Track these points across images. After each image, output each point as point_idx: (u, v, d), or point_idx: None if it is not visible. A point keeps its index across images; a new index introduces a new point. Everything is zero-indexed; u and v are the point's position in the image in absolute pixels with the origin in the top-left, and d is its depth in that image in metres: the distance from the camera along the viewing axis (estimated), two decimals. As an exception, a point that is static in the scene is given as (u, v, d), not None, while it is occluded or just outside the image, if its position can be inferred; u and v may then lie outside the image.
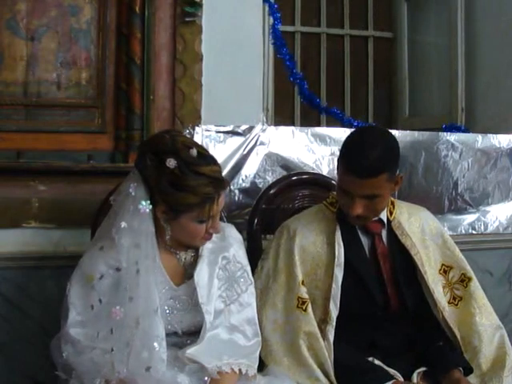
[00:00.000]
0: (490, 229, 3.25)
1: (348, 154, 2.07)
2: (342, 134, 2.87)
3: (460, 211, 3.21)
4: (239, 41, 2.80)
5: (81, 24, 2.61)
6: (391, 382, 2.00)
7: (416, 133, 3.16)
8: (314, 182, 2.60)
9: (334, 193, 2.20)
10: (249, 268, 2.09)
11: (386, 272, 2.14)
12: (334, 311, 2.08)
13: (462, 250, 2.28)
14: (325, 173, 2.84)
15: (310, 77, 4.33)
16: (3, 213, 2.46)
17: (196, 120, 2.70)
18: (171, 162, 1.86)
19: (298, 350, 2.05)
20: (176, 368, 1.89)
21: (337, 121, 4.23)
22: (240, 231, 2.17)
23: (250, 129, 2.80)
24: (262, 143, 2.82)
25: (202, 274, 1.99)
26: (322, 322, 2.09)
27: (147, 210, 1.87)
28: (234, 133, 2.77)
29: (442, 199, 3.17)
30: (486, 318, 2.17)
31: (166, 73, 2.68)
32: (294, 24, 4.43)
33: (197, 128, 2.68)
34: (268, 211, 2.52)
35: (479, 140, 3.24)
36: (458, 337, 2.13)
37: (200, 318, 1.95)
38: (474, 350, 2.12)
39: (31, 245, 2.50)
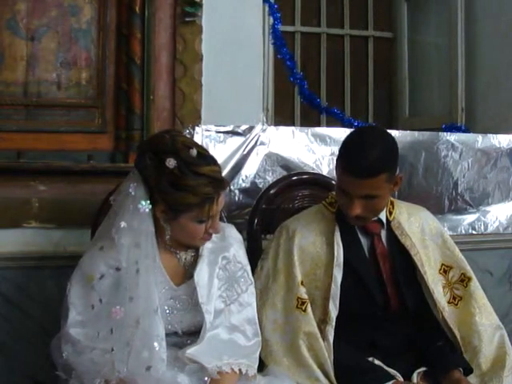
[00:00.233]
0: (490, 229, 3.25)
1: (347, 154, 2.07)
2: (342, 134, 2.86)
3: (460, 211, 3.21)
4: (239, 41, 2.80)
5: (81, 24, 2.61)
6: (391, 382, 2.00)
7: (416, 133, 3.16)
8: (314, 182, 2.60)
9: (333, 193, 2.20)
10: (249, 268, 2.10)
11: (385, 272, 2.14)
12: (334, 311, 2.08)
13: (462, 250, 2.28)
14: (325, 173, 2.84)
15: (310, 77, 4.33)
16: (3, 213, 2.46)
17: (196, 120, 2.70)
18: (171, 162, 1.86)
19: (297, 351, 2.05)
20: (176, 368, 1.89)
21: (337, 121, 4.24)
22: (240, 231, 2.17)
23: (250, 129, 2.80)
24: (262, 143, 2.82)
25: (202, 273, 1.99)
26: (322, 323, 2.09)
27: (147, 210, 1.87)
28: (234, 133, 2.77)
29: (442, 199, 3.17)
30: (485, 317, 2.17)
31: (166, 73, 2.68)
32: (294, 24, 4.43)
33: (197, 128, 2.68)
34: (268, 211, 2.51)
35: (479, 140, 3.23)
36: (458, 337, 2.13)
37: (200, 318, 1.95)
38: (473, 349, 2.12)
39: (31, 245, 2.50)
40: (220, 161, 2.25)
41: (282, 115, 4.12)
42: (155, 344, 1.82)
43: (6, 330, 2.48)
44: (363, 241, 2.17)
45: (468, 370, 2.08)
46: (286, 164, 2.85)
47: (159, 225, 1.94)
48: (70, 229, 2.51)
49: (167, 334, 1.90)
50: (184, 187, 1.87)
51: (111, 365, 1.78)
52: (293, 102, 4.36)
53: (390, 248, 2.17)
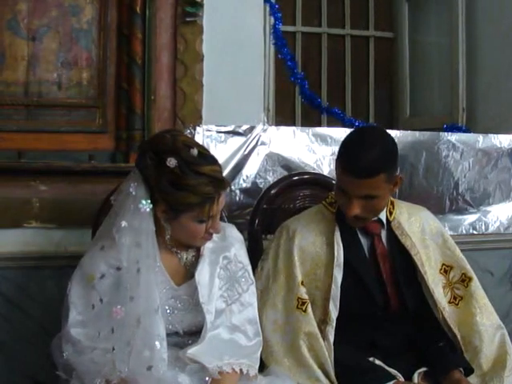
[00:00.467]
0: (491, 229, 3.25)
1: (346, 153, 2.07)
2: (342, 134, 2.85)
3: (461, 211, 3.21)
4: (240, 41, 2.80)
5: (82, 24, 2.61)
6: (392, 382, 2.00)
7: (417, 133, 3.16)
8: (315, 182, 2.60)
9: (334, 193, 2.20)
10: (250, 268, 2.10)
11: (385, 272, 2.14)
12: (334, 312, 2.08)
13: (462, 250, 2.28)
14: (326, 173, 2.84)
15: (310, 77, 4.33)
16: (4, 213, 2.45)
17: (197, 120, 2.70)
18: (171, 162, 1.85)
19: (298, 351, 2.05)
20: (177, 368, 1.89)
21: (338, 121, 4.24)
22: (241, 231, 2.17)
23: (251, 129, 2.80)
24: (262, 143, 2.82)
25: (203, 273, 1.99)
26: (322, 323, 2.09)
27: (147, 210, 1.87)
28: (234, 133, 2.77)
29: (443, 199, 3.17)
30: (486, 317, 2.17)
31: (166, 73, 2.68)
32: (294, 24, 4.43)
33: (198, 128, 2.68)
34: (269, 211, 2.51)
35: (480, 140, 3.23)
36: (459, 337, 2.12)
37: (201, 318, 1.95)
38: (474, 349, 2.12)
39: (32, 245, 2.50)
40: (221, 161, 2.24)
41: (282, 115, 4.12)
42: (156, 343, 1.82)
43: (6, 329, 2.48)
44: (363, 241, 2.17)
45: (469, 370, 2.08)
46: (286, 164, 2.85)
47: (160, 224, 1.94)
48: (71, 229, 2.51)
49: (168, 334, 1.90)
50: (184, 187, 1.87)
51: (112, 364, 1.78)
52: (293, 101, 4.36)
53: (390, 248, 2.17)
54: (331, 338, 2.06)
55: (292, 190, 2.57)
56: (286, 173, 2.80)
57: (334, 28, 4.51)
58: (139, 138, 2.60)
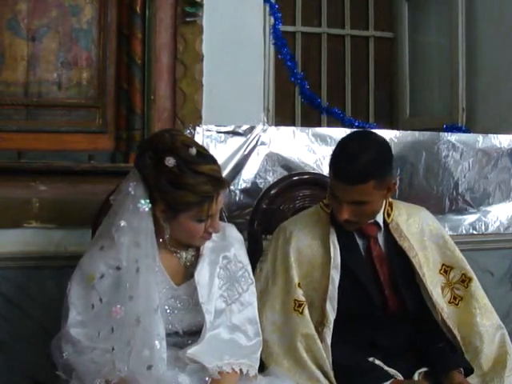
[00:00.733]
0: (491, 229, 3.25)
1: (337, 159, 2.07)
2: (342, 134, 2.81)
3: (461, 211, 3.21)
4: (240, 41, 2.80)
5: (82, 24, 2.61)
6: (390, 381, 1.99)
7: (417, 133, 3.16)
8: (315, 182, 2.60)
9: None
10: (250, 267, 2.09)
11: (382, 274, 2.13)
12: (332, 313, 2.08)
13: (462, 250, 2.28)
14: (325, 173, 2.81)
15: (310, 77, 4.33)
16: (4, 213, 2.45)
17: (197, 120, 2.69)
18: (170, 161, 1.86)
19: (296, 352, 2.05)
20: (177, 368, 1.89)
21: (337, 121, 4.24)
22: (241, 231, 2.17)
23: (251, 129, 2.80)
24: (262, 143, 2.82)
25: (202, 273, 1.98)
26: (320, 324, 2.09)
27: (146, 209, 1.88)
28: (234, 133, 2.77)
29: (443, 199, 3.17)
30: (486, 318, 2.16)
31: (166, 73, 2.68)
32: (294, 24, 4.43)
33: (198, 128, 2.68)
34: (269, 211, 2.52)
35: (480, 140, 3.23)
36: (458, 337, 2.12)
37: (201, 318, 1.95)
38: (475, 350, 2.12)
39: (32, 245, 2.50)
40: (221, 161, 2.25)
41: (282, 115, 4.12)
42: (156, 343, 1.82)
43: (6, 329, 2.48)
44: (360, 243, 2.16)
45: (469, 370, 2.08)
46: (286, 164, 2.85)
47: (159, 224, 1.94)
48: (71, 229, 2.51)
49: (168, 334, 1.90)
50: (183, 186, 1.87)
51: (112, 364, 1.78)
52: (293, 102, 4.36)
53: (387, 250, 2.16)
54: (328, 339, 2.06)
55: (292, 190, 2.57)
56: (285, 173, 2.80)
57: (334, 28, 4.52)
58: (139, 138, 2.60)
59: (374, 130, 3.19)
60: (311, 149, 2.91)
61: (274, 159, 2.84)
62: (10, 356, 2.49)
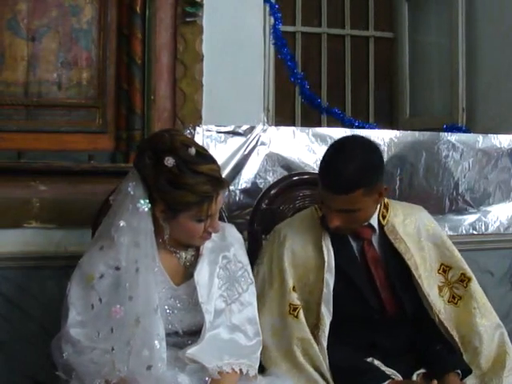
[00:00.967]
0: (491, 229, 3.25)
1: (323, 168, 2.06)
2: (342, 134, 2.85)
3: (461, 211, 3.21)
4: (240, 41, 2.80)
5: (81, 24, 2.61)
6: (387, 381, 1.99)
7: (417, 133, 3.15)
8: (315, 182, 2.57)
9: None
10: (249, 268, 2.10)
11: (378, 277, 2.13)
12: (327, 316, 2.07)
13: (462, 251, 2.28)
14: (325, 173, 2.83)
15: (310, 77, 4.33)
16: (4, 213, 2.45)
17: (197, 120, 2.69)
18: (169, 161, 1.86)
19: (293, 356, 2.05)
20: (177, 368, 1.89)
21: (337, 121, 4.24)
22: (241, 231, 2.17)
23: (251, 129, 2.80)
24: (262, 143, 2.82)
25: (202, 273, 1.99)
26: (315, 327, 2.08)
27: (146, 209, 1.88)
28: (234, 133, 2.77)
29: (443, 199, 3.17)
30: (486, 317, 2.16)
31: (166, 73, 2.68)
32: (294, 24, 4.43)
33: (198, 128, 2.68)
34: (269, 211, 2.51)
35: (480, 140, 3.23)
36: (457, 338, 2.11)
37: (200, 318, 1.95)
38: (474, 350, 2.11)
39: (32, 245, 2.50)
40: (221, 161, 2.24)
41: (282, 115, 4.12)
42: (155, 343, 1.82)
43: (6, 329, 2.48)
44: (354, 245, 2.16)
45: (467, 372, 2.07)
46: (286, 164, 2.85)
47: (159, 224, 1.94)
48: (71, 229, 2.51)
49: (168, 334, 1.90)
50: (182, 186, 1.87)
51: (111, 364, 1.78)
52: (293, 102, 4.36)
53: (383, 253, 2.16)
54: (324, 342, 2.05)
55: (292, 190, 2.56)
56: (285, 173, 2.79)
57: (334, 28, 4.52)
58: (139, 138, 2.60)
59: (373, 131, 3.23)
60: (311, 149, 2.91)
61: (274, 159, 2.83)
62: (10, 356, 2.49)
